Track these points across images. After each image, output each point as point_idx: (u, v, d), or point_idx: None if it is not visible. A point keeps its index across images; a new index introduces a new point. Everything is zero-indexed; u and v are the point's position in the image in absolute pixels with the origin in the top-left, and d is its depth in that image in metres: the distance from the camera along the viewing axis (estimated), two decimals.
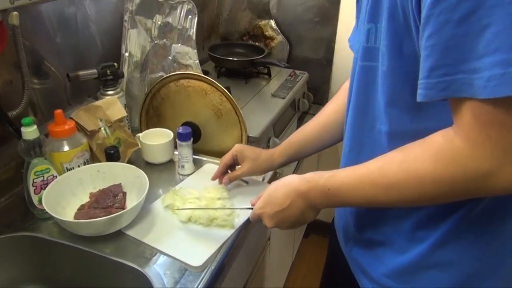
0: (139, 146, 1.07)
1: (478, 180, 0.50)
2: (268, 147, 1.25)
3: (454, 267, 0.63)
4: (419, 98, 0.52)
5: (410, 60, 0.55)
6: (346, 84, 0.85)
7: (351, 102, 0.70)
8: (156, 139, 1.06)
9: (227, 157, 0.93)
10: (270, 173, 1.06)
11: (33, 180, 0.84)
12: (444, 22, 0.47)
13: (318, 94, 1.75)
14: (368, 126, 0.66)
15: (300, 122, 1.61)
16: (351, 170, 0.62)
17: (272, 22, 1.71)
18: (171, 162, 1.09)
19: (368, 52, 0.63)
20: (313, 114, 1.68)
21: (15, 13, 0.79)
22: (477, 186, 0.51)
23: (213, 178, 0.96)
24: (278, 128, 1.34)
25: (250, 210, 0.79)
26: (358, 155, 0.69)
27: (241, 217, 0.88)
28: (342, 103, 0.82)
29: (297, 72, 1.62)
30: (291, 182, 0.69)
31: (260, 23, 1.73)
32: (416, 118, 0.59)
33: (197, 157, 1.10)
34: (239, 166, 0.94)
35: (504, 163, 0.48)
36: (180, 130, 1.01)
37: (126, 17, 1.15)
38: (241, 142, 1.13)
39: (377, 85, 0.62)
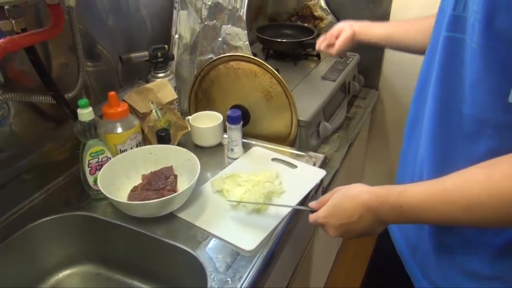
0: (189, 129, 1.07)
1: None
2: (318, 131, 1.21)
3: None
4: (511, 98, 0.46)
5: (504, 40, 0.49)
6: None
7: (435, 78, 0.62)
8: (206, 122, 1.05)
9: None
10: (321, 158, 1.03)
11: (88, 161, 0.86)
12: None
13: (369, 76, 1.68)
14: (454, 107, 0.59)
15: (350, 106, 1.56)
16: (426, 186, 0.57)
17: (322, 2, 1.64)
18: (220, 146, 1.08)
19: (455, 21, 0.57)
20: (364, 98, 1.64)
21: None
22: None
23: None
24: (328, 112, 1.29)
25: (302, 193, 0.77)
26: (442, 143, 0.63)
27: (291, 200, 0.86)
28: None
29: (348, 54, 1.56)
30: (360, 194, 0.64)
31: (309, 3, 1.67)
32: (504, 108, 0.53)
33: (246, 140, 1.08)
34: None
35: None
36: (230, 113, 1.00)
37: None
38: (291, 126, 1.10)
39: (464, 60, 0.56)
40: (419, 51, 0.84)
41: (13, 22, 0.74)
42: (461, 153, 0.59)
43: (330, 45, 1.10)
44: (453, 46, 0.57)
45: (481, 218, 0.52)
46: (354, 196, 0.65)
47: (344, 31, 1.07)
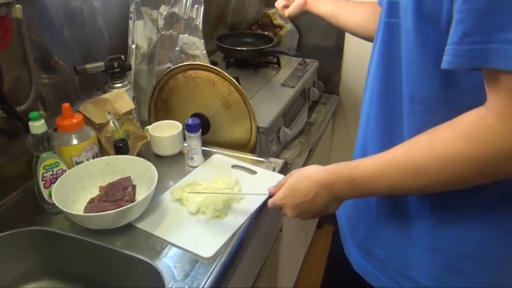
0: (148, 138, 1.06)
1: (510, 160, 0.48)
2: (278, 137, 1.23)
3: None
4: (444, 65, 0.50)
5: (430, 19, 0.53)
6: None
7: (377, 61, 0.67)
8: (165, 131, 1.05)
9: None
10: (280, 164, 1.05)
11: (42, 174, 0.84)
12: None
13: (329, 83, 1.72)
14: (395, 87, 0.63)
15: (311, 111, 1.59)
16: (376, 158, 0.60)
17: None
18: (180, 154, 1.08)
19: (391, 7, 0.61)
20: (325, 104, 1.68)
21: (18, 6, 0.78)
22: (509, 166, 0.49)
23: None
24: (288, 118, 1.32)
25: (262, 197, 0.78)
26: (386, 121, 0.67)
27: (251, 205, 0.87)
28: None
29: (307, 60, 1.60)
30: (314, 173, 0.67)
31: (268, 11, 1.71)
32: (435, 85, 0.57)
33: (206, 148, 1.09)
34: None
35: None
36: (189, 121, 1.00)
37: (132, 9, 1.14)
38: (250, 133, 1.12)
39: (401, 43, 0.60)
40: (354, 32, 1.00)
41: None
42: (403, 130, 0.63)
43: (286, 6, 1.15)
44: (391, 30, 0.62)
45: (428, 182, 0.55)
46: (309, 175, 0.67)
47: None
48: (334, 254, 0.91)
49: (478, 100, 0.51)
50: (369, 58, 0.73)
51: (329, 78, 1.73)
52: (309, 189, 0.66)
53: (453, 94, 0.56)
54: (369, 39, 0.94)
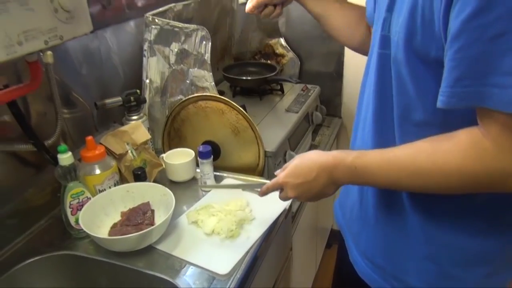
0: (163, 166, 1.14)
1: (502, 179, 0.56)
2: (285, 160, 1.30)
3: None
4: (439, 105, 0.57)
5: (419, 55, 0.61)
6: None
7: (374, 89, 0.74)
8: (179, 159, 1.13)
9: None
10: None
11: (69, 202, 0.91)
12: (475, 39, 0.51)
13: (331, 106, 1.81)
14: (388, 111, 0.70)
15: (315, 134, 1.67)
16: (379, 152, 0.67)
17: (282, 40, 1.78)
18: (194, 180, 1.15)
19: (384, 40, 0.69)
20: (328, 126, 1.75)
21: (49, 52, 0.88)
22: (500, 184, 0.56)
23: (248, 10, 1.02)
24: (294, 141, 1.39)
25: (272, 219, 0.84)
26: (382, 137, 0.73)
27: (262, 225, 0.94)
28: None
29: (309, 86, 1.68)
30: (318, 157, 0.73)
31: (270, 41, 1.81)
32: (423, 110, 0.64)
33: (217, 173, 1.16)
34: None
35: None
36: (201, 149, 1.08)
37: (145, 47, 1.24)
38: (258, 157, 1.19)
39: (392, 72, 0.68)
40: (338, 34, 1.01)
41: None
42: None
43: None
44: (384, 60, 0.69)
45: (424, 183, 0.62)
46: (312, 158, 0.74)
47: None
48: (341, 262, 0.96)
49: (466, 124, 0.58)
50: None
51: (331, 102, 1.81)
52: (310, 170, 0.72)
53: (441, 119, 0.63)
54: (349, 45, 1.03)
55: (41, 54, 0.90)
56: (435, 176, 0.60)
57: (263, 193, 0.84)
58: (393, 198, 0.75)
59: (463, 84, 0.54)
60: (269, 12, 1.02)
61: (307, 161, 0.74)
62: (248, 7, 1.01)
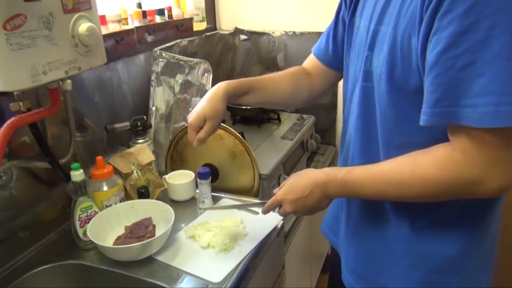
0: (165, 186, 1.23)
1: (470, 186, 0.66)
2: (279, 183, 1.39)
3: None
4: (422, 123, 0.66)
5: (399, 85, 0.71)
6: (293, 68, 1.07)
7: (359, 117, 0.83)
8: (180, 179, 1.22)
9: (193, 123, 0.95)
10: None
11: (79, 215, 1.01)
12: (449, 67, 0.62)
13: (326, 135, 1.91)
14: (372, 136, 0.80)
15: (310, 161, 1.76)
16: (366, 168, 0.76)
17: None
18: (193, 199, 1.24)
19: (367, 74, 0.79)
20: (322, 154, 1.85)
21: (68, 81, 0.99)
22: (469, 190, 0.66)
23: (192, 140, 0.97)
24: (288, 166, 1.49)
25: (264, 234, 0.92)
26: (368, 160, 0.82)
27: (254, 240, 1.02)
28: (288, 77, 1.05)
29: (304, 116, 1.79)
30: (312, 174, 0.82)
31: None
32: (404, 134, 0.75)
33: (215, 194, 1.25)
34: None
35: (490, 174, 0.64)
36: (200, 170, 1.17)
37: (153, 78, 1.36)
38: (254, 179, 1.28)
39: (375, 101, 0.78)
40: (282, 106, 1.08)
41: (20, 104, 0.92)
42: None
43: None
44: (367, 92, 0.80)
45: (406, 193, 0.72)
46: (307, 175, 0.83)
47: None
48: (332, 279, 1.04)
49: (440, 141, 0.68)
50: None
51: (325, 131, 1.91)
52: (305, 187, 0.81)
53: (420, 140, 0.72)
54: (300, 104, 1.13)
55: (61, 82, 1.02)
56: (415, 186, 0.70)
57: (265, 211, 0.92)
58: (378, 212, 0.84)
59: (441, 105, 0.63)
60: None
61: (302, 178, 0.83)
62: (195, 144, 0.96)
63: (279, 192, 0.87)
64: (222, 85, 0.96)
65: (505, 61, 0.58)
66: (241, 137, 1.26)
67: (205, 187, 1.18)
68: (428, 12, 0.63)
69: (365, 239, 0.88)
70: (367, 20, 0.80)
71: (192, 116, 0.94)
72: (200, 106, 0.95)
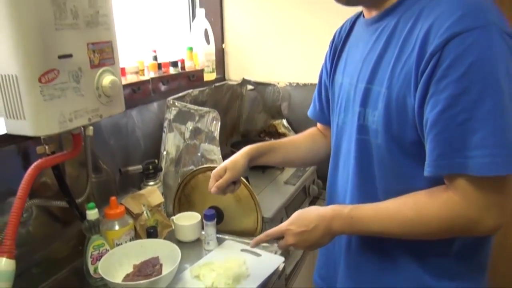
0: (173, 227, 1.30)
1: (470, 225, 0.73)
2: None
3: None
4: (427, 174, 0.74)
5: (396, 138, 0.79)
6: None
7: (355, 167, 0.89)
8: (187, 221, 1.29)
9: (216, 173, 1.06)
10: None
11: (91, 252, 1.07)
12: (448, 125, 0.70)
13: None
14: (369, 183, 0.86)
15: (312, 206, 1.82)
16: (372, 205, 0.82)
17: (284, 121, 2.01)
18: (198, 240, 1.30)
19: (362, 128, 0.86)
20: (324, 199, 1.91)
21: (91, 127, 1.09)
22: (468, 228, 0.73)
23: (210, 188, 1.07)
24: (290, 210, 1.55)
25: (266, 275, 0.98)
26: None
27: (256, 280, 1.07)
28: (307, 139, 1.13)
29: None
30: (318, 209, 0.88)
31: (274, 122, 2.04)
32: (401, 181, 0.81)
33: (220, 235, 1.31)
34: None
35: (487, 214, 0.71)
36: (206, 212, 1.24)
37: (165, 124, 1.46)
38: (257, 222, 1.35)
39: (372, 153, 0.84)
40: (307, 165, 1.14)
41: (46, 147, 1.02)
42: None
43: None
44: (364, 144, 0.86)
45: (410, 231, 0.78)
46: (313, 210, 0.88)
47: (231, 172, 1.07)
48: None
49: (436, 185, 0.75)
50: None
51: (327, 177, 1.97)
52: (311, 220, 0.85)
53: (418, 186, 0.79)
54: (319, 161, 1.20)
55: (83, 128, 1.11)
56: (418, 224, 0.76)
57: (259, 241, 0.95)
58: (381, 251, 0.88)
59: (444, 158, 0.71)
60: (231, 189, 1.09)
61: (308, 211, 0.88)
62: (213, 190, 1.05)
63: (285, 223, 0.91)
64: (245, 147, 1.09)
65: (497, 118, 0.67)
66: (246, 181, 1.33)
67: (210, 228, 1.24)
68: (423, 77, 0.72)
69: (369, 275, 0.92)
70: (353, 78, 0.89)
71: (216, 168, 1.07)
72: (224, 161, 1.07)
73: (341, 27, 1.05)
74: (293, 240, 0.89)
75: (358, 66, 0.88)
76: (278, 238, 0.93)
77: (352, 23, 1.00)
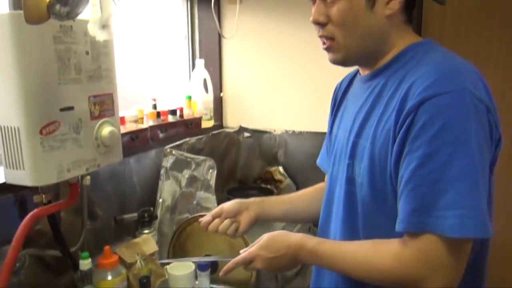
0: (166, 276, 1.28)
1: (414, 282, 0.74)
2: (276, 276, 1.43)
3: None
4: (399, 229, 0.75)
5: (380, 190, 0.81)
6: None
7: (343, 215, 0.90)
8: (180, 270, 1.27)
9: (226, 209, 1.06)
10: None
11: None
12: (421, 183, 0.72)
13: None
14: (355, 232, 0.87)
15: None
16: (336, 244, 0.85)
17: (281, 168, 2.03)
18: None
19: (349, 180, 0.88)
20: None
21: (88, 177, 1.11)
22: (415, 283, 0.74)
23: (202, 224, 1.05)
24: None
25: None
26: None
27: None
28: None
29: None
30: (287, 237, 0.89)
31: (270, 169, 2.06)
32: (384, 226, 0.82)
33: (213, 285, 1.29)
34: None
35: (434, 275, 0.72)
36: (200, 262, 1.23)
37: (162, 172, 1.48)
38: (251, 272, 1.33)
39: (358, 204, 0.86)
40: (310, 221, 1.15)
41: (43, 196, 1.03)
42: None
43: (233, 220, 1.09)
44: (351, 195, 0.88)
45: (363, 275, 0.80)
46: (283, 237, 0.90)
47: (243, 215, 1.10)
48: None
49: None
50: None
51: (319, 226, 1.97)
52: (280, 247, 0.88)
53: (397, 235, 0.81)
54: None
55: (80, 177, 1.13)
56: (371, 271, 0.79)
57: (229, 270, 0.95)
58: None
59: (416, 215, 0.73)
60: (225, 227, 1.05)
61: (278, 237, 0.90)
62: (201, 223, 1.05)
63: (254, 248, 0.92)
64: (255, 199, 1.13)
65: (465, 180, 0.69)
66: None
67: (204, 279, 1.23)
68: (400, 134, 0.75)
69: None
70: (346, 131, 0.92)
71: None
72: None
73: (341, 82, 1.10)
74: (261, 265, 0.91)
75: (351, 120, 0.92)
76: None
77: (351, 79, 1.05)
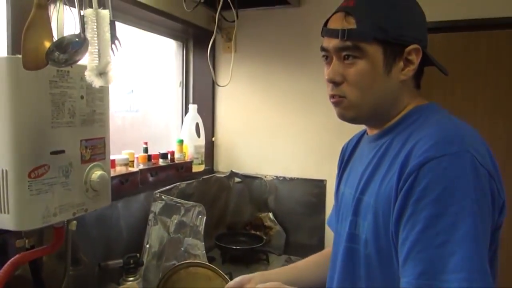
0: None
1: None
2: None
3: None
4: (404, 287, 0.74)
5: (385, 248, 0.80)
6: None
7: (340, 273, 0.89)
8: None
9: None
10: None
11: None
12: (428, 246, 0.71)
13: None
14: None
15: None
16: None
17: (271, 214, 2.01)
18: None
19: (352, 237, 0.87)
20: None
21: (74, 222, 1.09)
22: None
23: None
24: None
25: None
26: None
27: None
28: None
29: (292, 258, 1.84)
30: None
31: (260, 215, 2.04)
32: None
33: None
34: None
35: None
36: None
37: (150, 217, 1.46)
38: None
39: (360, 262, 0.84)
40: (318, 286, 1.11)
41: (26, 240, 1.00)
42: None
43: None
44: (352, 252, 0.87)
45: None
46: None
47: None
48: None
49: None
50: None
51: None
52: None
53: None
54: None
55: (66, 221, 1.11)
56: None
57: None
58: None
59: (424, 278, 0.71)
60: None
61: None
62: None
63: None
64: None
65: (472, 242, 0.69)
66: (228, 279, 1.29)
67: None
68: (401, 193, 0.75)
69: None
70: (353, 188, 0.92)
71: None
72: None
73: (349, 141, 1.11)
74: None
75: (358, 178, 0.92)
76: None
77: (359, 138, 1.07)
